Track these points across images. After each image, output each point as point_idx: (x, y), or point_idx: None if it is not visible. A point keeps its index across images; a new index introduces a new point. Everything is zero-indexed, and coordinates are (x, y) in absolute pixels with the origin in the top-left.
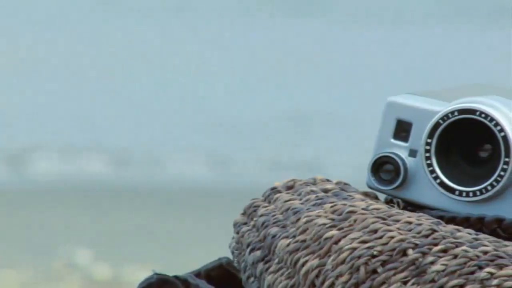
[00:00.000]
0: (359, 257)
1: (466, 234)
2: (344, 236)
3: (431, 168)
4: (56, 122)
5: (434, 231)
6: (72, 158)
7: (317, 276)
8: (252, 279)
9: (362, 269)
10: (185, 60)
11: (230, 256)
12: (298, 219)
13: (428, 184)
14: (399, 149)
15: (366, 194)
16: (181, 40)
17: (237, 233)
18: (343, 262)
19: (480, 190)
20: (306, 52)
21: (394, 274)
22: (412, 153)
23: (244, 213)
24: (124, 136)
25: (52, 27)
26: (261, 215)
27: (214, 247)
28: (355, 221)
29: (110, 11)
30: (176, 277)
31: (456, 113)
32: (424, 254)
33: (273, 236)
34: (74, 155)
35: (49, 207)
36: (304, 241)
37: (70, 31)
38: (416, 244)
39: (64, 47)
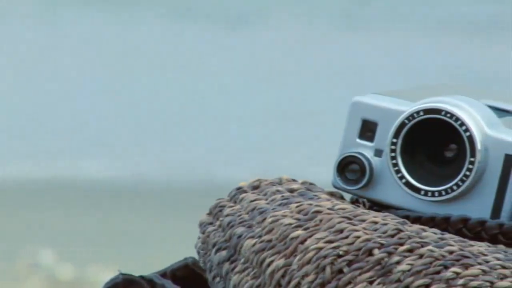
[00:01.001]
0: (325, 257)
1: (431, 233)
2: (310, 236)
3: (396, 168)
4: None
5: (399, 231)
6: (35, 158)
7: (283, 276)
8: (218, 279)
9: (328, 269)
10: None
11: (196, 256)
12: (264, 219)
13: (394, 184)
14: (365, 149)
15: (331, 194)
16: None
17: (203, 233)
18: (309, 262)
19: (445, 190)
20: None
21: (360, 274)
22: (378, 153)
23: (209, 213)
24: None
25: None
26: (227, 215)
27: (179, 247)
28: (321, 221)
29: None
30: (141, 277)
31: (421, 113)
32: (390, 254)
33: (239, 236)
34: (38, 155)
35: (12, 207)
36: (270, 241)
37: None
38: (382, 244)
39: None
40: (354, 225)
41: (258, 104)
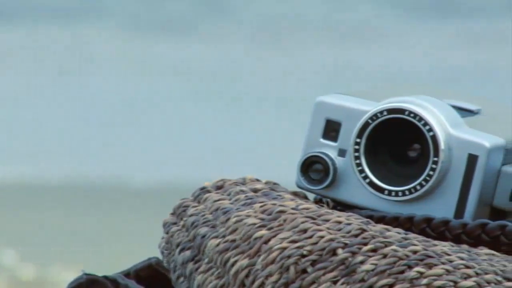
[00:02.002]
0: (288, 256)
1: (395, 233)
2: (274, 236)
3: (360, 168)
4: None
5: (363, 230)
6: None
7: (247, 276)
8: (181, 279)
9: (292, 269)
10: None
11: (160, 256)
12: (228, 219)
13: (358, 183)
14: (329, 149)
15: (295, 194)
16: None
17: (167, 233)
18: (272, 262)
19: (409, 190)
20: None
21: (324, 274)
22: (342, 152)
23: (173, 213)
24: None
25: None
26: (191, 215)
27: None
28: (284, 220)
29: None
30: (105, 277)
31: (385, 113)
32: (353, 253)
33: (203, 236)
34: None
35: None
36: (233, 241)
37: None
38: (346, 244)
39: None
40: (318, 225)
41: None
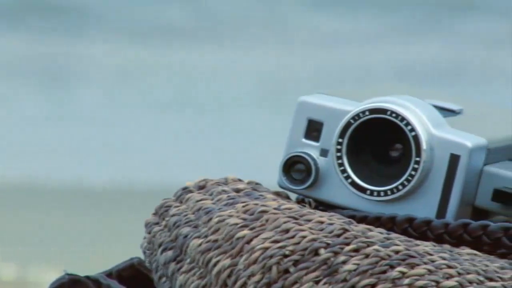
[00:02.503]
0: (271, 256)
1: (377, 233)
2: (256, 236)
3: (342, 168)
4: None
5: (345, 230)
6: None
7: (229, 276)
8: (164, 279)
9: (274, 269)
10: None
11: (142, 256)
12: (210, 219)
13: (340, 183)
14: (311, 149)
15: (277, 194)
16: None
17: (149, 233)
18: (255, 261)
19: (391, 190)
20: None
21: (306, 274)
22: (324, 152)
23: (155, 213)
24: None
25: None
26: (173, 215)
27: (125, 247)
28: (267, 220)
29: None
30: (87, 277)
31: (367, 113)
32: (336, 253)
33: (185, 236)
34: None
35: None
36: (216, 241)
37: None
38: (328, 244)
39: None
40: (300, 225)
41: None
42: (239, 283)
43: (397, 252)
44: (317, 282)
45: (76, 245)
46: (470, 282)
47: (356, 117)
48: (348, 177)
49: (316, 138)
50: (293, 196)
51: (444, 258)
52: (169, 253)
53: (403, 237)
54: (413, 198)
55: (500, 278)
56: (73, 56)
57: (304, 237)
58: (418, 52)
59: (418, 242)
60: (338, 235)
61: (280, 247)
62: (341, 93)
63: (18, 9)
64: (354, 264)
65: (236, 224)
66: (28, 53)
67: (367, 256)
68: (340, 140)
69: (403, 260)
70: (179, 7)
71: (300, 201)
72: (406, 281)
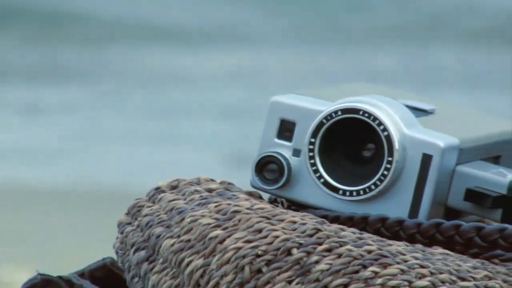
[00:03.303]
0: (243, 256)
1: (350, 233)
2: (229, 236)
3: (314, 168)
4: None
5: (318, 230)
6: None
7: (201, 276)
8: (136, 279)
9: (246, 269)
10: None
11: (115, 256)
12: (183, 219)
13: (312, 183)
14: (283, 149)
15: (250, 193)
16: None
17: (121, 233)
18: (227, 262)
19: (363, 190)
20: None
21: (279, 274)
22: (296, 152)
23: (128, 213)
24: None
25: None
26: (145, 215)
27: (98, 247)
28: (239, 220)
29: None
30: (60, 277)
31: (339, 113)
32: (308, 253)
33: (158, 236)
34: None
35: None
36: (188, 241)
37: None
38: (301, 244)
39: None
40: (272, 224)
41: None
42: (211, 283)
43: (369, 252)
44: (289, 282)
45: (48, 245)
46: (443, 282)
47: (328, 117)
48: (320, 177)
49: (289, 138)
50: (266, 196)
51: (416, 258)
52: (142, 253)
53: (375, 237)
54: (385, 198)
55: (473, 277)
56: None
57: (276, 237)
58: None
59: (390, 242)
60: (311, 235)
61: (253, 247)
62: (313, 93)
63: None
64: (327, 264)
65: (209, 224)
66: None
67: (339, 256)
68: (313, 140)
69: (376, 260)
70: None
71: (273, 201)
72: (379, 280)
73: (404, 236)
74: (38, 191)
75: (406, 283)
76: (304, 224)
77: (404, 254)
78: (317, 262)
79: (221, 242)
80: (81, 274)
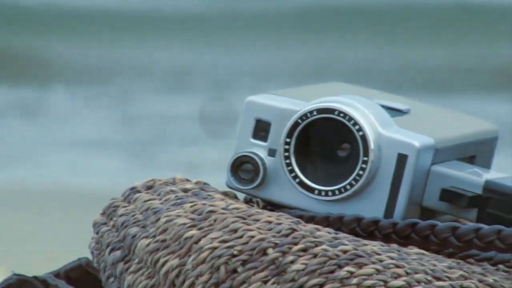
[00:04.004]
0: (219, 256)
1: (325, 233)
2: (204, 236)
3: (290, 168)
4: None
5: (294, 230)
6: None
7: (177, 275)
8: (112, 279)
9: (222, 269)
10: None
11: (90, 257)
12: (158, 219)
13: (288, 183)
14: (259, 149)
15: (225, 193)
16: None
17: (97, 233)
18: (203, 261)
19: (339, 190)
20: None
21: (254, 274)
22: (272, 152)
23: (103, 213)
24: None
25: None
26: (121, 215)
27: (73, 247)
28: (215, 220)
29: None
30: (35, 277)
31: (314, 113)
32: (284, 253)
33: (133, 236)
34: None
35: None
36: (164, 241)
37: None
38: (276, 244)
39: None
40: (248, 224)
41: None
42: (187, 283)
43: (345, 251)
44: (265, 282)
45: (23, 245)
46: (418, 282)
47: (303, 117)
48: (296, 176)
49: (264, 138)
50: (241, 196)
51: (392, 258)
52: (117, 253)
53: (351, 237)
54: (361, 197)
55: (448, 277)
56: None
57: (252, 237)
58: None
59: (366, 241)
60: (286, 235)
61: (228, 247)
62: (289, 93)
63: None
64: (302, 264)
65: (184, 224)
66: None
67: (315, 256)
68: (288, 140)
69: (351, 259)
70: None
71: (248, 201)
72: (354, 280)
73: (379, 236)
74: (4, 191)
75: (381, 283)
76: (279, 224)
77: (379, 254)
78: (292, 262)
79: (196, 242)
80: (57, 275)
